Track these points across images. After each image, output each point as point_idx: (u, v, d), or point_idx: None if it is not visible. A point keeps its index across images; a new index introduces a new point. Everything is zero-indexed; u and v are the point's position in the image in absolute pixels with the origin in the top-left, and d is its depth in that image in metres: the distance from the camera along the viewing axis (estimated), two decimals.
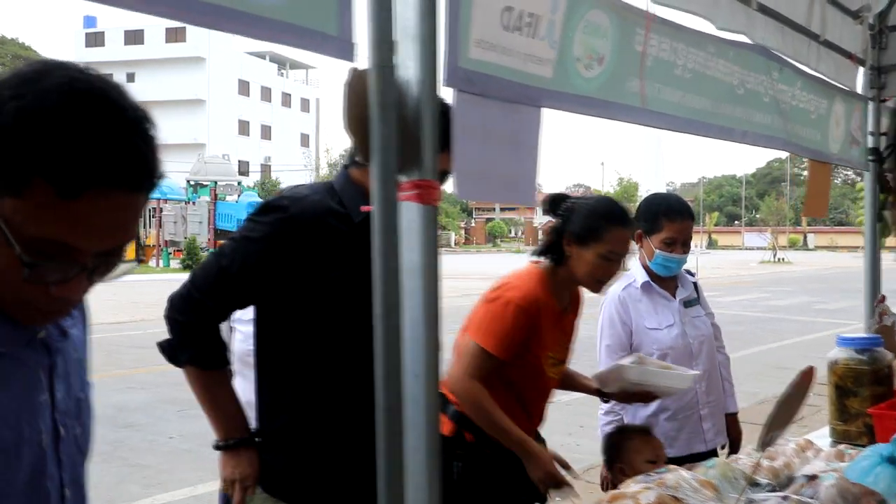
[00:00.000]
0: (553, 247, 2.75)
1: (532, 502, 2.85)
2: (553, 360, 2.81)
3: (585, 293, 2.95)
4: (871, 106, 4.53)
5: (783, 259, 51.68)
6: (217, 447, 2.33)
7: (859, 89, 4.48)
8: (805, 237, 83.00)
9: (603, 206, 2.77)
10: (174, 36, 68.75)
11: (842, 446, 2.94)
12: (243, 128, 71.91)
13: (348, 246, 2.20)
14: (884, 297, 4.37)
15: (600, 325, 3.43)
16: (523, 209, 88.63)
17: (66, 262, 1.01)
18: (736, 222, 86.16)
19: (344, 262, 2.20)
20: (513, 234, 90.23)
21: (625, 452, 2.92)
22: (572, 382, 3.15)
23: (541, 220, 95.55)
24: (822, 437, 3.33)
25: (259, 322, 2.36)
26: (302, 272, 2.22)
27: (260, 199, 33.95)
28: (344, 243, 2.21)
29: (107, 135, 0.97)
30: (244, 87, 71.62)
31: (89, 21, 74.50)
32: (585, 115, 2.42)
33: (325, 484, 2.29)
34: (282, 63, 79.26)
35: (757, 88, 3.32)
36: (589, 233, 2.68)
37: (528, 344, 2.69)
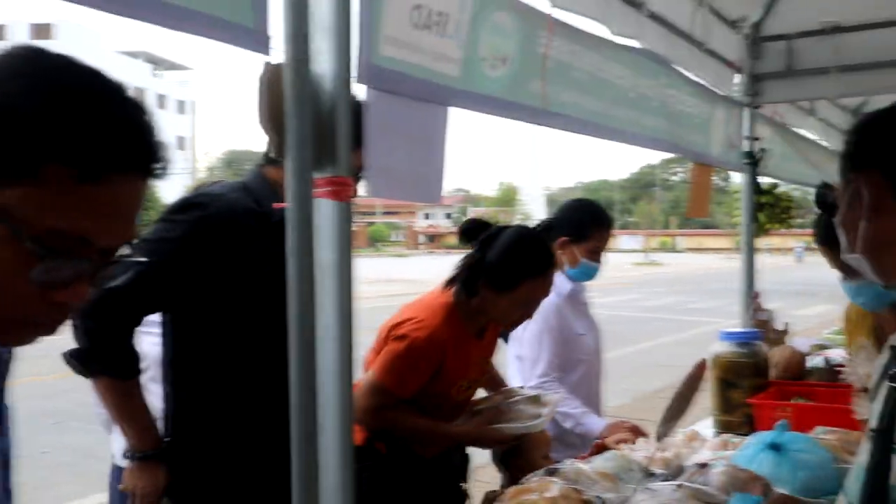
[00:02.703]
0: (468, 282, 2.57)
1: None
2: (466, 385, 2.73)
3: None
4: (746, 112, 4.77)
5: (655, 261, 53.66)
6: (128, 457, 2.25)
7: (737, 96, 4.71)
8: (675, 240, 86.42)
9: (524, 251, 2.57)
10: (39, 33, 65.57)
11: (726, 436, 3.07)
12: None
13: (266, 246, 2.13)
14: (758, 294, 4.60)
15: (535, 335, 3.29)
16: (405, 213, 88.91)
17: (79, 258, 0.90)
18: None
19: (262, 262, 2.13)
20: (394, 238, 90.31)
21: (524, 450, 2.87)
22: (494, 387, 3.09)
23: (422, 223, 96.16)
24: (705, 427, 3.47)
25: (169, 326, 2.28)
26: (220, 272, 2.16)
27: None
28: (262, 243, 2.15)
29: (122, 114, 0.90)
30: None
31: None
32: (490, 114, 2.45)
33: (239, 492, 2.24)
34: (157, 63, 76.81)
35: (647, 92, 3.43)
36: (506, 282, 2.52)
37: (433, 381, 2.59)
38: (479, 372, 2.81)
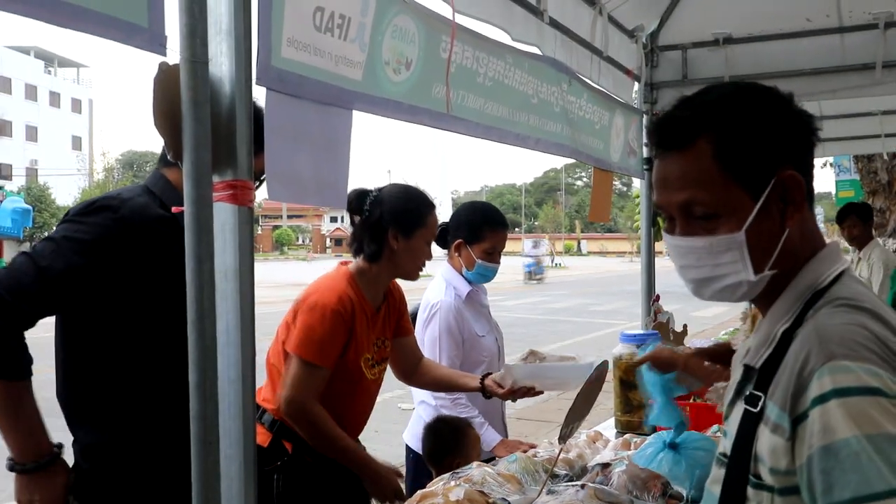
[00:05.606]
0: (374, 241, 2.72)
1: None
2: (371, 361, 2.78)
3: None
4: (645, 119, 4.90)
5: (560, 264, 54.55)
6: (17, 469, 2.12)
7: (635, 103, 4.83)
8: (579, 243, 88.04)
9: (415, 193, 2.81)
10: None
11: (627, 435, 3.14)
12: (5, 128, 66.41)
13: (174, 251, 2.10)
14: (658, 296, 4.73)
15: (435, 335, 3.36)
16: (311, 216, 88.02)
17: None
18: (516, 229, 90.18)
19: (170, 268, 2.08)
20: (300, 242, 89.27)
21: (465, 446, 2.89)
22: (451, 383, 3.14)
23: (328, 227, 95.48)
24: (607, 428, 3.54)
25: (69, 329, 2.21)
26: (130, 276, 2.11)
27: (27, 205, 31.56)
28: (170, 249, 2.07)
29: None
30: (5, 84, 66.11)
31: None
32: (394, 118, 2.44)
33: (152, 497, 2.19)
34: (49, 60, 73.99)
35: (549, 99, 3.49)
36: (413, 222, 2.72)
37: (346, 348, 2.65)
38: (382, 351, 2.87)
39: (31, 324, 2.08)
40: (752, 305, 3.74)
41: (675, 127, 1.33)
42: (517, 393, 2.99)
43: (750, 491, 1.25)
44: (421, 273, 2.85)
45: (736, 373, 1.41)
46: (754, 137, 1.28)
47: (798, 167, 1.30)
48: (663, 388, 2.31)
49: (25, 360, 2.09)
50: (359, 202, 2.74)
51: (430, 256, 2.84)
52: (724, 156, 1.28)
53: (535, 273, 36.40)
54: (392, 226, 2.71)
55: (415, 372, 3.15)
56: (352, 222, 2.81)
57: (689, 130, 1.30)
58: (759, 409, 1.25)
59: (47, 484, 2.13)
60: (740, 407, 1.31)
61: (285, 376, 2.58)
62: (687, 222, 1.32)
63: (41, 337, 2.40)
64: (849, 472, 1.08)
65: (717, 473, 1.35)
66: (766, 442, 1.22)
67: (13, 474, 2.14)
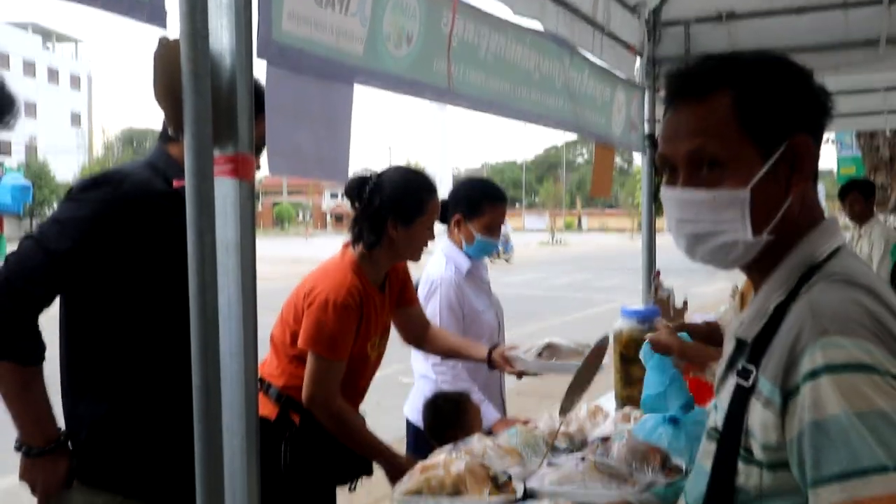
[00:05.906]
0: (373, 231, 2.70)
1: (359, 474, 2.87)
2: (376, 342, 2.82)
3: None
4: (647, 95, 4.88)
5: (560, 241, 54.53)
6: (27, 453, 2.15)
7: (637, 79, 4.82)
8: (580, 219, 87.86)
9: (414, 180, 2.76)
10: None
11: (627, 409, 3.16)
12: None
13: (176, 225, 2.11)
14: (659, 273, 4.73)
15: (436, 311, 3.37)
16: (311, 192, 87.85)
17: None
18: (517, 205, 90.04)
19: (172, 242, 2.10)
20: (301, 218, 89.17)
21: (465, 421, 2.92)
22: (460, 352, 3.18)
23: (329, 203, 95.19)
24: (608, 401, 3.56)
25: (72, 303, 2.21)
26: (132, 251, 2.12)
27: (26, 181, 31.45)
28: (172, 223, 2.09)
29: None
30: (3, 61, 65.83)
31: None
32: (396, 92, 2.44)
33: (151, 471, 2.21)
34: (47, 35, 73.58)
35: (551, 74, 3.48)
36: (412, 210, 2.69)
37: (356, 339, 2.68)
38: (386, 328, 2.91)
39: (44, 306, 2.11)
40: (741, 284, 3.75)
41: (696, 76, 1.32)
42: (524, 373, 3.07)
43: (740, 465, 1.25)
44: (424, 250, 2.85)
45: (728, 346, 1.40)
46: (775, 97, 1.28)
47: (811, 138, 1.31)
48: (667, 368, 2.34)
49: (37, 346, 2.10)
50: (359, 189, 2.72)
51: (432, 238, 2.82)
52: (742, 109, 1.27)
53: (502, 251, 30.87)
54: (391, 215, 2.68)
55: (423, 339, 3.20)
56: (352, 206, 2.79)
57: (711, 80, 1.30)
58: (750, 383, 1.24)
59: (51, 468, 2.17)
60: (732, 380, 1.29)
61: (306, 374, 2.62)
62: (691, 174, 1.30)
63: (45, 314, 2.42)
64: (840, 447, 1.08)
65: (708, 447, 1.34)
66: (758, 416, 1.22)
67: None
